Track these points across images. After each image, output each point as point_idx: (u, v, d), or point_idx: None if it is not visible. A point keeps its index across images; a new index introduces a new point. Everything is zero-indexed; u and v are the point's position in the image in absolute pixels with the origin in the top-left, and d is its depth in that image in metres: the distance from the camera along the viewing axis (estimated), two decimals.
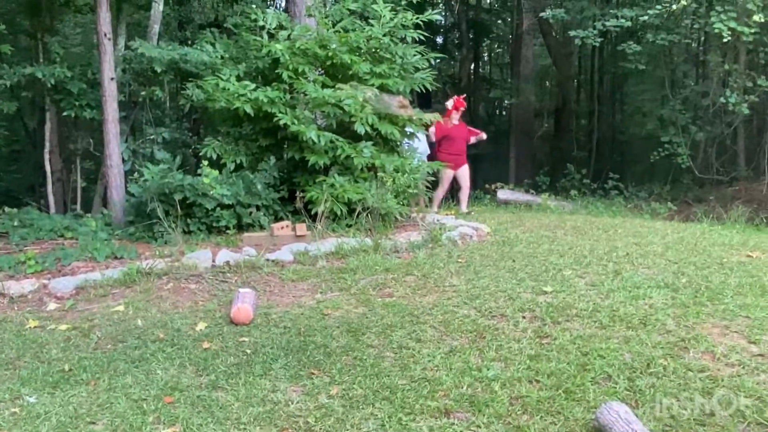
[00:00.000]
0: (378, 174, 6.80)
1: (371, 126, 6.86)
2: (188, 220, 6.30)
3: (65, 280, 4.78)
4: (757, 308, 3.88)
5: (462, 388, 3.04)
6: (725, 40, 7.55)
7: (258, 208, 6.57)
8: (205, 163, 6.41)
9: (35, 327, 4.09)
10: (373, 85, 7.03)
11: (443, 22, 19.42)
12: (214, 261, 5.19)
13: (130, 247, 5.74)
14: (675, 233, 6.45)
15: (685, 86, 11.46)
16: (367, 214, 6.28)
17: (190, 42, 10.12)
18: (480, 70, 22.77)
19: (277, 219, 6.73)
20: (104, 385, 3.21)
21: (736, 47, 8.29)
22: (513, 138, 16.72)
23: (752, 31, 7.43)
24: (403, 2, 7.51)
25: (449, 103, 8.74)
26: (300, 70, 6.99)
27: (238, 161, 6.99)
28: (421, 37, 7.63)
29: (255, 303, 4.16)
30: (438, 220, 6.72)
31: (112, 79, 7.03)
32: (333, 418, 2.81)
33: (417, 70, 7.84)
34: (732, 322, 3.69)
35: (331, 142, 6.60)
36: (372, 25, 7.42)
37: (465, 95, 9.20)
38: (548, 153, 18.05)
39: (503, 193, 11.31)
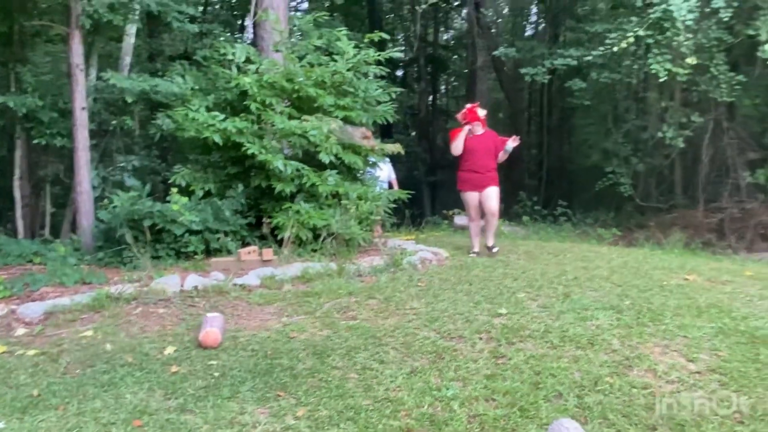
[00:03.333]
0: (342, 201, 6.84)
1: (335, 155, 6.92)
2: (157, 246, 6.20)
3: (34, 306, 4.64)
4: (694, 328, 4.02)
5: (423, 407, 3.07)
6: (662, 79, 7.91)
7: (226, 233, 6.53)
8: (174, 190, 6.35)
9: (3, 352, 3.95)
10: (337, 117, 7.09)
11: (404, 56, 19.76)
12: (182, 286, 5.11)
13: (99, 272, 5.62)
14: (619, 257, 6.64)
15: (627, 121, 11.88)
16: (331, 240, 6.30)
17: (160, 73, 10.06)
18: (438, 102, 23.20)
19: (245, 244, 6.69)
20: (73, 410, 3.12)
21: (671, 86, 8.65)
22: None
23: (686, 71, 7.80)
24: (366, 40, 7.60)
25: (459, 116, 6.88)
26: (267, 102, 7.01)
27: (206, 188, 6.94)
28: (383, 73, 7.75)
29: (223, 327, 4.11)
30: (399, 245, 6.77)
31: (83, 108, 6.95)
32: None
33: (379, 103, 7.95)
34: (671, 342, 3.82)
35: (297, 170, 6.62)
36: (336, 61, 7.51)
37: (478, 103, 7.26)
38: (502, 181, 18.37)
39: (460, 219, 11.45)
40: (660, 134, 9.30)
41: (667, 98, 10.01)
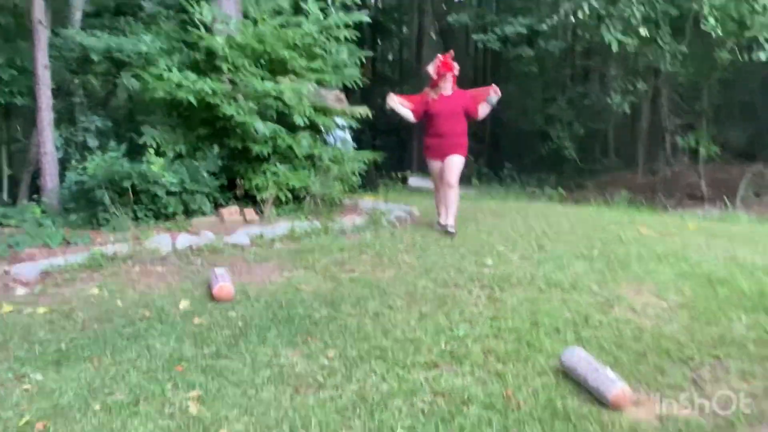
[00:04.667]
0: (317, 163, 6.99)
1: (308, 117, 7.02)
2: (135, 207, 6.17)
3: (29, 266, 4.61)
4: (659, 273, 4.50)
5: (440, 345, 3.37)
6: (615, 50, 8.42)
7: (202, 195, 6.56)
8: (152, 151, 6.30)
9: (10, 311, 3.96)
10: (309, 79, 7.17)
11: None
12: (174, 245, 5.17)
13: (83, 233, 5.57)
14: (575, 214, 7.16)
15: (570, 88, 12.46)
16: (311, 200, 6.47)
17: (108, 29, 9.67)
18: (377, 68, 23.25)
19: (218, 206, 6.75)
20: (108, 361, 3.24)
21: (617, 55, 9.20)
22: (415, 129, 17.32)
23: (636, 42, 8.33)
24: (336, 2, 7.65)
25: (430, 68, 6.01)
26: (239, 63, 6.98)
27: (177, 150, 6.89)
28: (353, 36, 7.84)
29: (232, 281, 4.26)
30: (373, 206, 7.01)
31: (45, 66, 6.70)
32: (339, 375, 3.04)
33: (346, 66, 8.04)
34: (642, 285, 4.28)
35: (273, 132, 6.69)
36: (304, 24, 7.52)
37: (452, 52, 6.09)
38: None
39: (414, 180, 11.81)
40: (608, 101, 9.88)
41: (612, 66, 10.59)
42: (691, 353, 3.23)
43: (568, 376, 2.97)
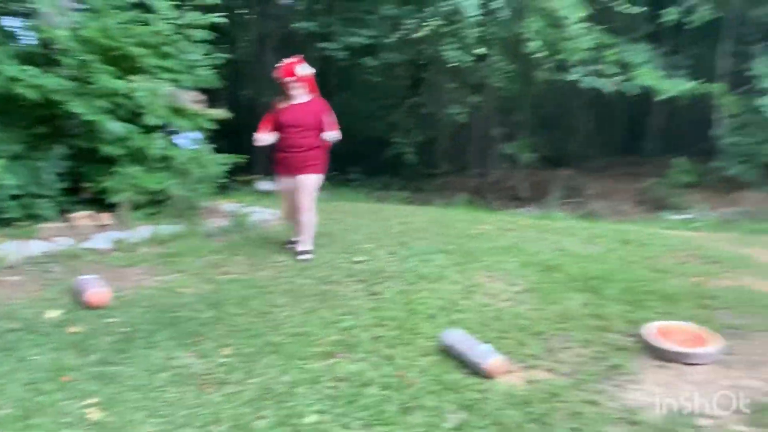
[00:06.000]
0: (172, 165, 6.76)
1: (162, 118, 6.78)
2: None
3: None
4: (506, 263, 5.11)
5: (331, 336, 3.57)
6: (452, 65, 9.21)
7: (45, 198, 6.04)
8: None
9: None
10: (162, 79, 6.92)
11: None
12: (25, 253, 4.75)
13: None
14: (424, 214, 7.73)
15: (410, 97, 13.27)
16: (173, 203, 6.26)
17: None
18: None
19: (63, 210, 6.26)
20: None
21: (456, 70, 10.05)
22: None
23: (471, 59, 9.21)
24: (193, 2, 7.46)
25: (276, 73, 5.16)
26: (85, 59, 6.53)
27: (12, 150, 6.26)
28: (209, 38, 7.69)
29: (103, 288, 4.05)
30: (236, 209, 6.95)
31: None
32: (239, 371, 3.11)
33: (199, 68, 7.85)
34: (494, 273, 4.84)
35: (126, 133, 6.36)
36: (154, 21, 7.24)
37: (302, 55, 5.34)
38: None
39: (263, 184, 11.74)
40: (446, 112, 10.74)
41: (449, 80, 11.53)
42: (543, 328, 3.78)
43: (448, 354, 3.34)
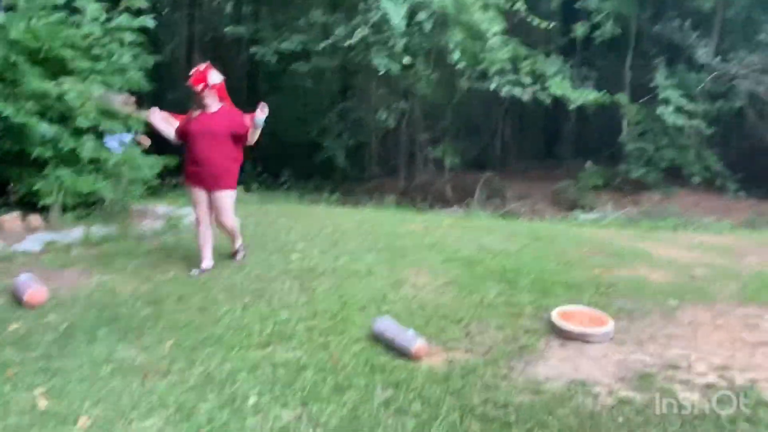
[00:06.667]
0: (102, 167, 6.73)
1: (91, 120, 6.73)
2: None
3: None
4: (430, 259, 5.47)
5: (269, 328, 3.79)
6: (381, 72, 9.57)
7: None
8: None
9: None
10: (93, 81, 6.87)
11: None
12: None
13: None
14: (356, 215, 8.02)
15: (340, 102, 13.55)
16: (103, 205, 6.24)
17: None
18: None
19: None
20: None
21: (385, 76, 10.40)
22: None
23: (399, 68, 9.60)
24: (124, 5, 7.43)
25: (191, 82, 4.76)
26: (11, 60, 6.40)
27: None
28: (139, 40, 7.67)
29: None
30: (168, 211, 6.99)
31: None
32: (182, 362, 3.28)
33: (129, 70, 7.81)
34: (420, 268, 5.19)
35: (56, 135, 6.30)
36: (80, 23, 7.17)
37: (209, 63, 4.94)
38: None
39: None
40: (377, 117, 11.10)
41: (378, 86, 11.89)
42: (462, 315, 4.14)
43: (378, 340, 3.63)
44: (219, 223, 4.95)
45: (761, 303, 4.59)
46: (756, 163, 12.15)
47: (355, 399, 2.98)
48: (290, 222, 7.06)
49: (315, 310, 4.11)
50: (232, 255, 5.19)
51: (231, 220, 4.94)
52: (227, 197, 4.82)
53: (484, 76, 10.98)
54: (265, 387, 3.05)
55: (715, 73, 11.72)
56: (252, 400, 2.93)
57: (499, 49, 10.21)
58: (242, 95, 17.71)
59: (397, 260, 5.38)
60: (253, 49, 11.51)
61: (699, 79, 11.86)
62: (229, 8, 12.84)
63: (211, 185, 4.78)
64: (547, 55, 12.43)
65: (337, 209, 8.97)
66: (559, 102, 12.13)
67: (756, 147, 12.16)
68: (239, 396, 2.96)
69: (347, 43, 9.46)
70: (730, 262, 6.00)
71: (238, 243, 5.21)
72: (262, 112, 4.63)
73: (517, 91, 11.20)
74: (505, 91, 11.16)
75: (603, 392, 3.15)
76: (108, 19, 7.32)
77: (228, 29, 11.78)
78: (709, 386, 3.19)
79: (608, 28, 11.96)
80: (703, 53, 11.80)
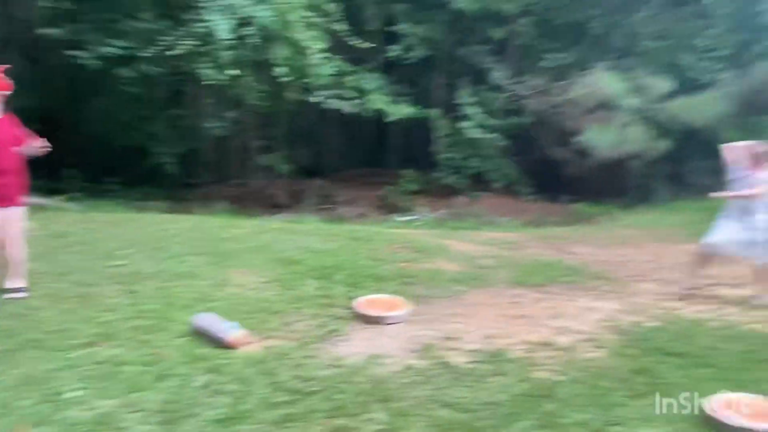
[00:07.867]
0: None
1: None
2: None
3: None
4: (255, 260, 5.80)
5: (91, 330, 3.89)
6: (209, 83, 9.62)
7: None
8: None
9: None
10: None
11: None
12: None
13: None
14: (184, 221, 8.07)
15: (171, 108, 13.19)
16: None
17: None
18: None
19: None
20: None
21: (214, 86, 10.43)
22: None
23: (226, 79, 9.76)
24: None
25: None
26: None
27: None
28: None
29: None
30: None
31: None
32: (2, 364, 3.30)
33: None
34: (246, 269, 5.50)
35: None
36: None
37: (9, 66, 4.48)
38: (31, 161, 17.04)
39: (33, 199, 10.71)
40: (206, 126, 11.06)
41: (207, 95, 11.85)
42: (281, 308, 4.57)
43: (200, 334, 3.92)
44: (7, 240, 4.45)
45: (528, 285, 5.62)
46: (544, 172, 14.10)
47: (175, 385, 3.26)
48: (114, 230, 6.96)
49: (139, 311, 4.26)
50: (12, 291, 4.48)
51: (17, 233, 4.44)
52: (18, 212, 4.45)
53: (310, 89, 11.52)
54: (86, 382, 3.20)
55: (508, 93, 13.45)
56: (73, 394, 3.08)
57: (322, 65, 10.82)
58: (61, 99, 16.46)
59: (222, 262, 5.65)
60: (71, 52, 10.83)
61: (495, 98, 13.52)
62: (46, 3, 11.82)
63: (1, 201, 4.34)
64: (370, 72, 13.33)
65: (165, 216, 8.90)
66: (380, 114, 13.08)
67: (542, 158, 14.10)
68: (59, 392, 3.09)
69: (172, 52, 9.40)
70: (512, 253, 7.14)
71: (18, 275, 4.51)
72: (37, 150, 4.44)
73: (340, 105, 11.92)
74: (328, 104, 11.84)
75: (394, 362, 3.76)
76: None
77: (41, 31, 10.96)
78: (474, 351, 3.95)
79: (418, 51, 13.21)
80: (498, 75, 13.48)
